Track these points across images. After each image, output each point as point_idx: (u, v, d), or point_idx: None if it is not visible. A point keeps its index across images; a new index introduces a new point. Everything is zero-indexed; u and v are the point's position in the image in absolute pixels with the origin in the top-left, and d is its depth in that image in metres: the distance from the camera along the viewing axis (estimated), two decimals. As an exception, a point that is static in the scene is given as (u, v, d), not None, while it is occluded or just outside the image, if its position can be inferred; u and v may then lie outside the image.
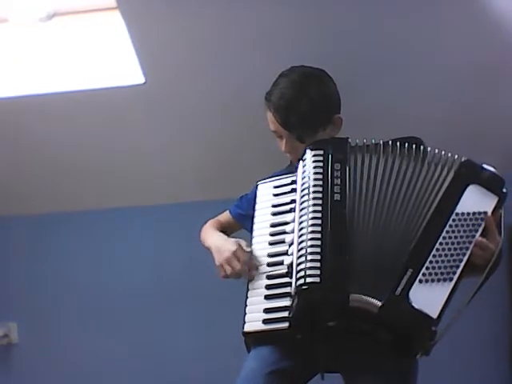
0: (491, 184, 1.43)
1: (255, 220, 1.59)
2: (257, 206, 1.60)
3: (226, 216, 1.83)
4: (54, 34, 2.30)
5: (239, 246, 1.53)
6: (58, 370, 2.75)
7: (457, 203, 1.40)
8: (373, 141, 1.52)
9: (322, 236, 1.37)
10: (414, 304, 1.30)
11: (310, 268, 1.33)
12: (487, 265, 1.37)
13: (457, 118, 2.42)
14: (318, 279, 1.32)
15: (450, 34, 2.16)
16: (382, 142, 1.52)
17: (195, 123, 2.47)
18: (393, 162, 1.48)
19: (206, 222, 1.81)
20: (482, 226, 1.38)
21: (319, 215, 1.39)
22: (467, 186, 1.42)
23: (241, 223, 1.78)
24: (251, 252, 1.53)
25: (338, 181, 1.43)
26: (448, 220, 1.38)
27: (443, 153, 1.47)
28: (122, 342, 2.75)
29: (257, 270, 1.51)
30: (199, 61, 2.25)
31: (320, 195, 1.42)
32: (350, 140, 1.52)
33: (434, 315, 1.29)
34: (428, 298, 1.31)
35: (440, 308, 1.30)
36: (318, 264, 1.34)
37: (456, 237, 1.37)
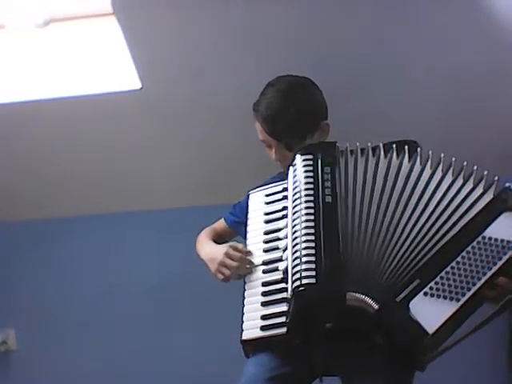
0: None
1: (248, 229, 1.60)
2: (249, 215, 1.62)
3: (221, 224, 1.85)
4: (51, 40, 2.29)
5: (229, 246, 1.55)
6: (56, 376, 2.73)
7: (487, 226, 1.37)
8: (369, 144, 1.52)
9: (315, 238, 1.37)
10: (412, 314, 1.28)
11: (306, 270, 1.34)
12: (500, 300, 1.35)
13: (451, 121, 2.43)
14: (313, 280, 1.32)
15: (445, 39, 2.16)
16: (381, 145, 1.52)
17: (192, 128, 2.47)
18: (391, 166, 1.48)
19: (202, 229, 1.82)
20: (508, 255, 1.34)
21: (312, 217, 1.40)
22: (503, 211, 1.39)
23: (236, 230, 1.79)
24: (247, 250, 1.54)
25: (329, 183, 1.44)
26: (472, 240, 1.35)
27: (475, 167, 1.45)
28: (122, 348, 2.74)
29: (253, 265, 1.52)
30: (195, 66, 2.26)
31: (312, 198, 1.43)
32: (338, 144, 1.53)
33: (431, 330, 1.26)
34: (429, 312, 1.28)
35: (439, 325, 1.27)
36: (313, 265, 1.34)
37: (476, 259, 1.33)
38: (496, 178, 1.43)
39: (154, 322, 2.74)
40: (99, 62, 2.30)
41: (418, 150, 1.50)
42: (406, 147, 1.50)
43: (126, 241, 2.84)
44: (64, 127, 2.47)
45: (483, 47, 2.19)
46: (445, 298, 1.30)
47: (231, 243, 1.59)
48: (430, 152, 1.50)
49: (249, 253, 1.55)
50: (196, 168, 2.61)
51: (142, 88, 2.30)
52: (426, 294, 1.30)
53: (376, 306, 1.32)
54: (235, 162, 2.51)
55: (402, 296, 1.30)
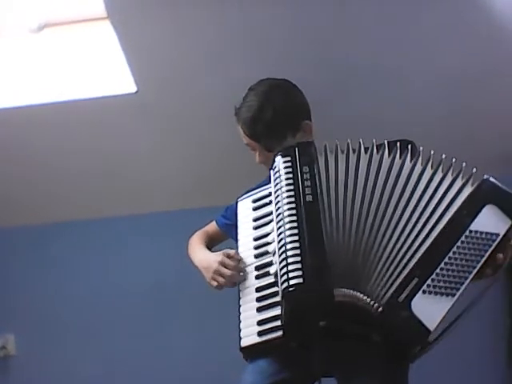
0: (509, 207, 1.41)
1: (238, 237, 1.60)
2: (238, 224, 1.62)
3: (212, 227, 1.85)
4: (46, 44, 2.30)
5: (223, 254, 1.55)
6: (55, 381, 2.73)
7: (473, 220, 1.39)
8: (348, 141, 1.52)
9: (299, 238, 1.37)
10: (414, 313, 1.29)
11: (292, 270, 1.34)
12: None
13: (451, 121, 2.42)
14: (301, 280, 1.33)
15: (443, 39, 2.16)
16: (361, 141, 1.51)
17: (188, 130, 2.47)
18: (372, 160, 1.48)
19: (193, 233, 1.82)
20: (493, 246, 1.37)
21: (294, 218, 1.40)
22: (485, 204, 1.41)
23: (227, 233, 1.79)
24: (240, 258, 1.55)
25: (308, 182, 1.44)
26: (461, 235, 1.37)
27: (454, 160, 1.46)
28: (121, 352, 2.74)
29: (246, 273, 1.52)
30: (190, 69, 2.26)
31: (292, 199, 1.43)
32: (326, 144, 1.52)
33: (432, 328, 1.28)
34: (428, 310, 1.30)
35: (438, 322, 1.29)
36: (299, 265, 1.34)
37: (465, 254, 1.36)
38: (474, 170, 1.44)
39: (152, 324, 2.74)
40: (94, 66, 2.31)
41: (398, 144, 1.50)
42: (386, 142, 1.51)
43: (123, 244, 2.84)
44: (59, 132, 2.48)
45: (482, 47, 2.18)
46: (441, 294, 1.32)
47: (224, 251, 1.58)
48: (409, 146, 1.50)
49: (241, 260, 1.54)
50: (192, 170, 2.61)
51: (137, 91, 2.30)
52: (424, 291, 1.32)
53: (373, 302, 1.31)
54: (231, 164, 2.50)
55: (403, 296, 1.31)
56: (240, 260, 1.54)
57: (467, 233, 1.37)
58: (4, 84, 2.38)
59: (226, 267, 1.54)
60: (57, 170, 2.63)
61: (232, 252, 1.56)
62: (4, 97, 2.38)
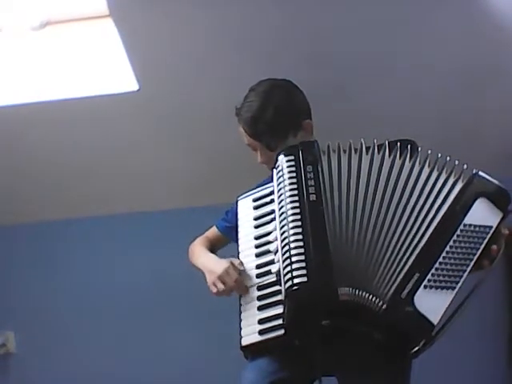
0: (499, 200, 1.44)
1: (239, 236, 1.60)
2: (239, 223, 1.62)
3: (213, 232, 1.84)
4: (48, 42, 2.30)
5: (231, 263, 1.54)
6: (56, 379, 2.74)
7: (466, 214, 1.41)
8: (350, 141, 1.53)
9: (303, 236, 1.38)
10: (417, 308, 1.30)
11: (297, 269, 1.34)
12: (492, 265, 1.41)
13: (451, 121, 2.43)
14: (305, 279, 1.32)
15: (444, 38, 2.17)
16: (363, 141, 1.52)
17: (190, 129, 2.47)
18: (374, 160, 1.49)
19: (199, 230, 1.82)
20: (487, 239, 1.40)
21: (298, 217, 1.40)
22: (477, 198, 1.43)
23: (229, 236, 1.78)
24: (244, 270, 1.54)
25: (312, 181, 1.45)
26: (456, 229, 1.39)
27: (448, 158, 1.47)
28: (121, 351, 2.75)
29: (248, 287, 1.51)
30: (192, 67, 2.26)
31: (296, 198, 1.43)
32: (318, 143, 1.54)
33: (435, 321, 1.30)
34: (431, 304, 1.31)
35: (440, 315, 1.31)
36: (303, 264, 1.34)
37: (462, 247, 1.38)
38: (464, 166, 1.47)
39: (153, 323, 2.74)
40: (96, 64, 2.31)
41: (398, 144, 1.51)
42: (386, 142, 1.52)
43: (125, 242, 2.84)
44: (61, 129, 2.48)
45: (482, 47, 2.19)
46: (442, 288, 1.34)
47: (233, 259, 1.57)
48: (409, 146, 1.51)
49: (244, 272, 1.54)
50: (194, 169, 2.62)
51: (139, 90, 2.30)
52: (425, 286, 1.33)
53: (377, 300, 1.32)
54: (233, 162, 2.51)
55: (406, 292, 1.32)
56: (243, 271, 1.53)
57: (462, 227, 1.39)
58: (5, 81, 2.38)
59: (230, 276, 1.52)
60: (57, 167, 2.63)
61: (236, 262, 1.55)
62: (5, 94, 2.38)
